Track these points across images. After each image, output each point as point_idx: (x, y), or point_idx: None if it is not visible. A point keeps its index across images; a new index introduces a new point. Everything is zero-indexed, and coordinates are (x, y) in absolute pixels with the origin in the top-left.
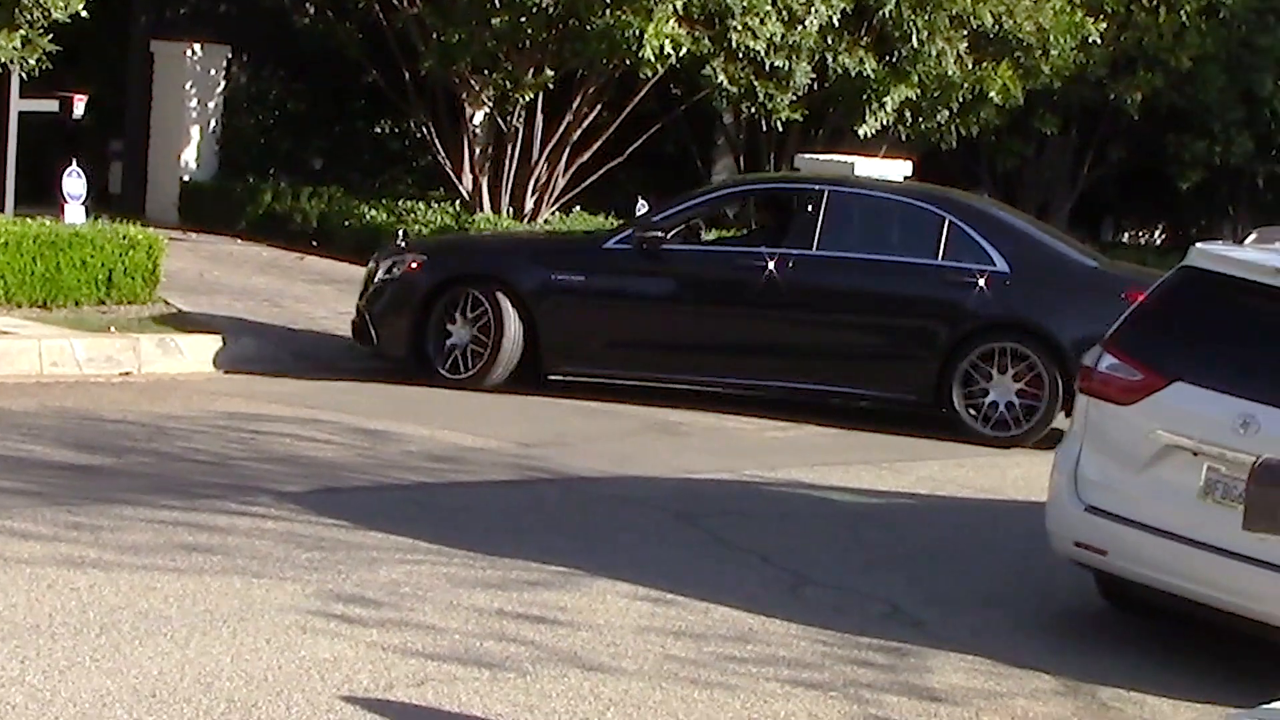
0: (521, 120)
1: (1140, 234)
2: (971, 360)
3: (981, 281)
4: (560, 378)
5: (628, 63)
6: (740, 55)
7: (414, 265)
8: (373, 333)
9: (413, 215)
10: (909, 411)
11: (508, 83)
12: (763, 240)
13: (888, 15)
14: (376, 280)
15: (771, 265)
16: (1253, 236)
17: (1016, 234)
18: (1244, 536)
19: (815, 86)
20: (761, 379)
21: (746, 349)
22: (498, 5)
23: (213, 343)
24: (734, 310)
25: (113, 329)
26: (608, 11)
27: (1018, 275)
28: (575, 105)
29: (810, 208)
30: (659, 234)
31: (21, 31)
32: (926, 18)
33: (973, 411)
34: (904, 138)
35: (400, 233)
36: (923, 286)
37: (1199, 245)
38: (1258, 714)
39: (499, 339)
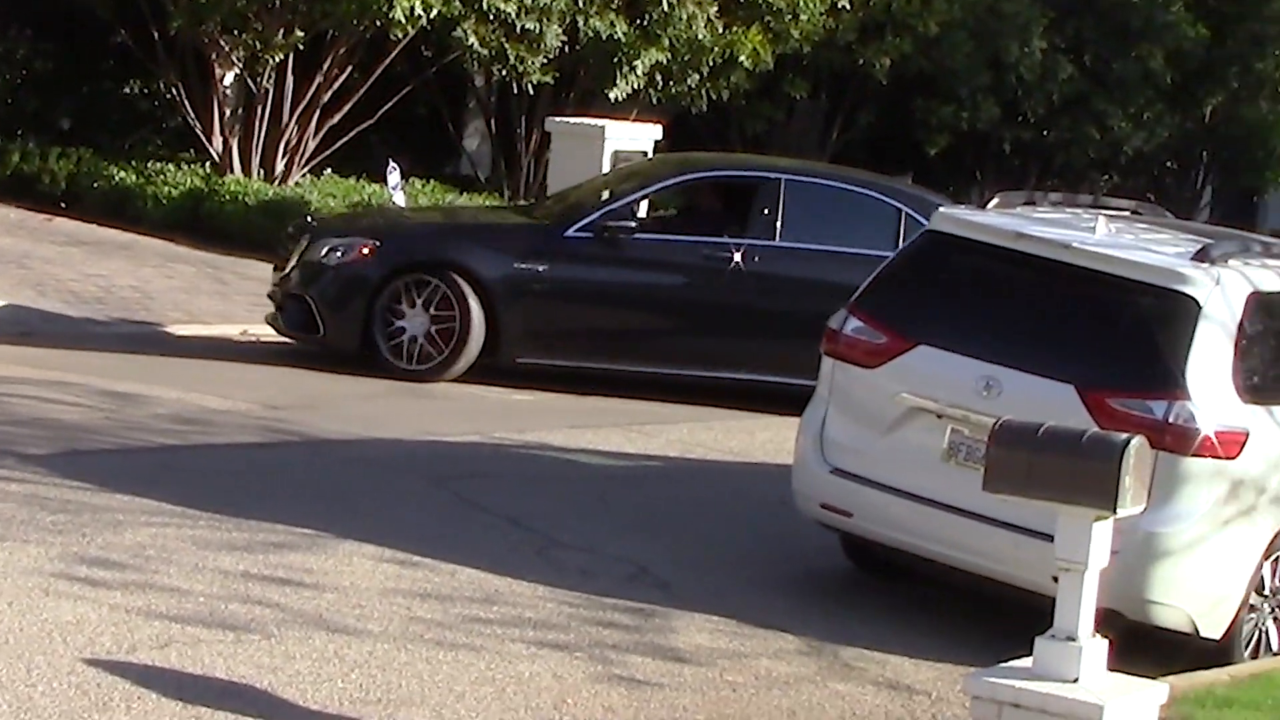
0: (272, 81)
1: None
2: None
3: None
4: (528, 363)
5: (378, 24)
6: (491, 17)
7: (365, 251)
8: (320, 322)
9: (162, 176)
10: None
11: (257, 43)
12: (723, 230)
13: None
14: (313, 264)
15: (738, 256)
16: (995, 201)
17: None
18: (986, 498)
19: (566, 49)
20: (728, 370)
21: (713, 339)
22: None
23: None
24: (700, 301)
25: None
26: None
27: None
28: (326, 67)
29: (768, 197)
30: (629, 224)
31: None
32: None
33: None
34: (655, 101)
35: (308, 217)
36: None
37: (942, 210)
38: (996, 672)
39: (465, 330)
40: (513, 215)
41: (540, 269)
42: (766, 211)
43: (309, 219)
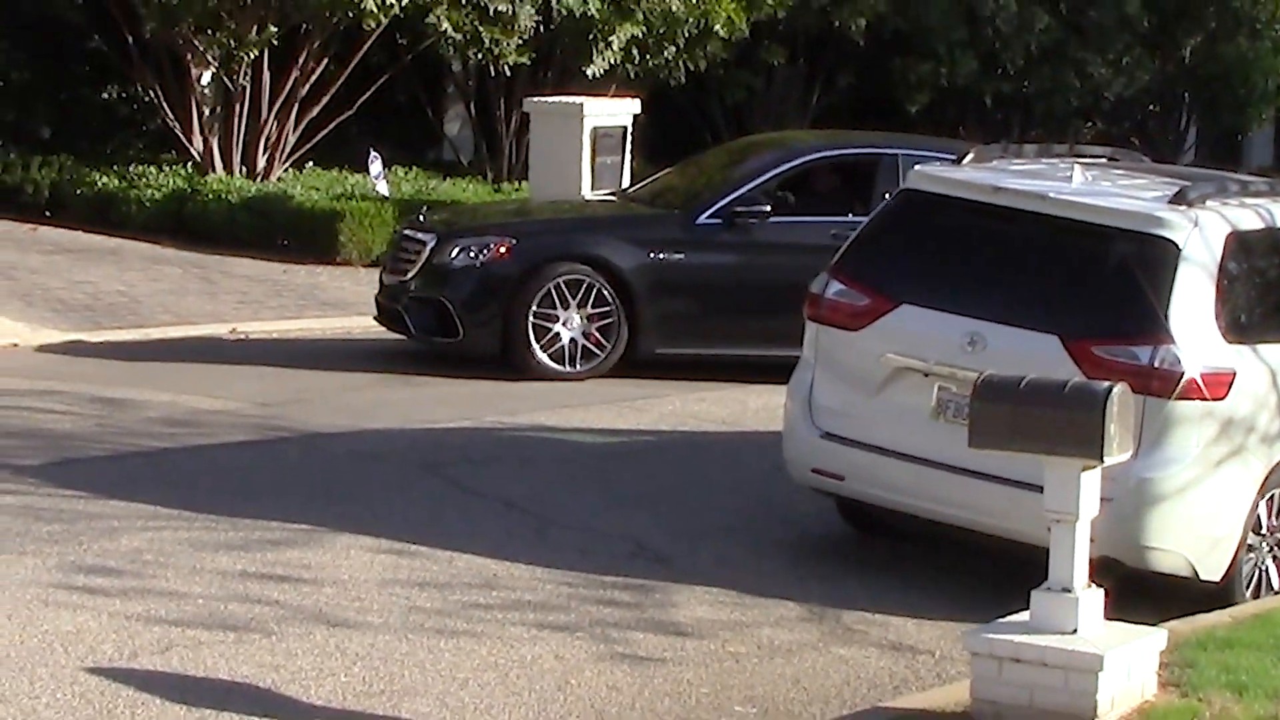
0: (248, 78)
1: None
2: None
3: None
4: (667, 354)
5: (351, 15)
6: (464, 2)
7: (502, 250)
8: (458, 325)
9: (145, 180)
10: None
11: (232, 41)
12: (848, 209)
13: None
14: (445, 266)
15: None
16: (970, 156)
17: None
18: (975, 454)
19: (541, 29)
20: None
21: None
22: None
23: None
24: None
25: None
26: None
27: None
28: (301, 61)
29: (889, 173)
30: (763, 208)
31: None
32: None
33: None
34: (632, 75)
35: (421, 212)
36: None
37: (917, 167)
38: (994, 628)
39: (620, 324)
40: (634, 206)
41: (677, 258)
42: (888, 187)
43: (419, 218)
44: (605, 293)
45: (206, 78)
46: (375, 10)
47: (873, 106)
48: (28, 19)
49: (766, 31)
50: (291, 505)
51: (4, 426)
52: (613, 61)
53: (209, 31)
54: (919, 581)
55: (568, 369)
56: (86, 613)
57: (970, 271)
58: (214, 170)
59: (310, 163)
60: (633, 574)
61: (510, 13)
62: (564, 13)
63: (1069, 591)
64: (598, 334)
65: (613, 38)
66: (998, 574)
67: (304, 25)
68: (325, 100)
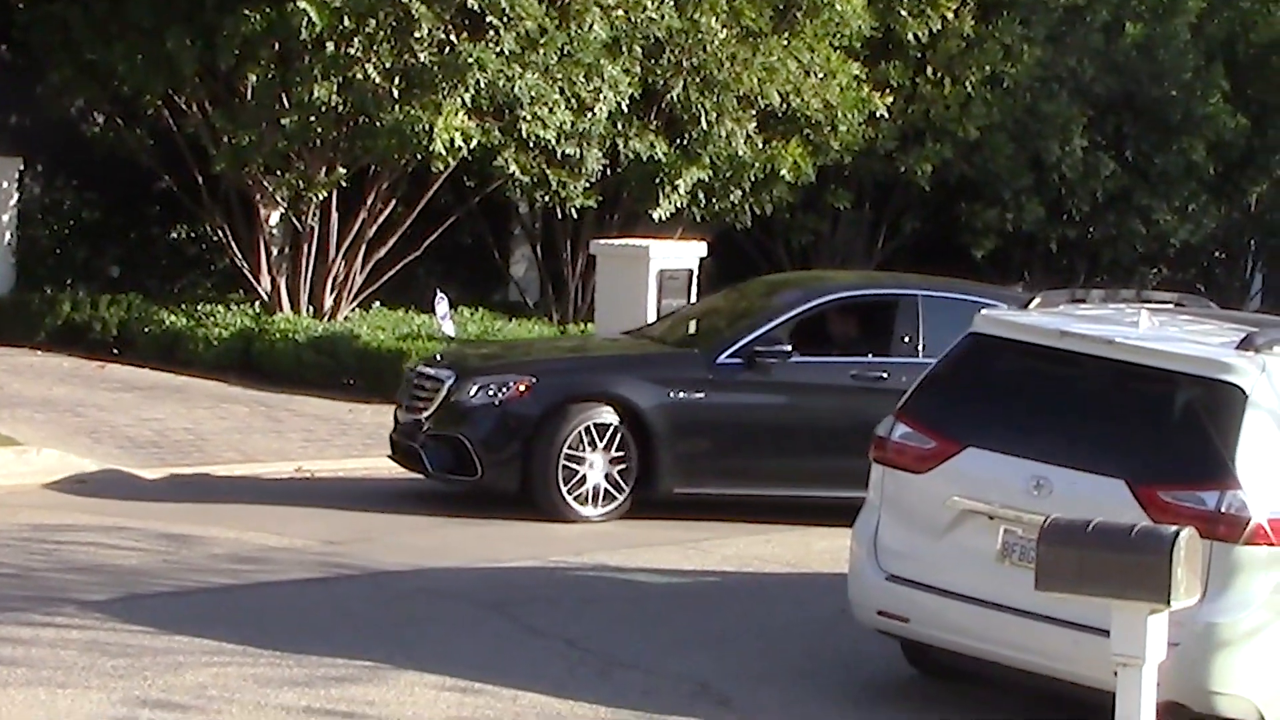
0: (317, 219)
1: None
2: None
3: None
4: (685, 494)
5: (419, 157)
6: (531, 145)
7: (522, 388)
8: (478, 463)
9: (212, 318)
10: None
11: (300, 182)
12: (867, 349)
13: (676, 99)
14: (464, 404)
15: (885, 375)
16: (1037, 301)
17: None
18: (1042, 596)
19: (608, 172)
20: None
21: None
22: (286, 105)
23: (13, 456)
24: (854, 421)
25: None
26: (396, 107)
27: None
28: (369, 201)
29: (906, 315)
30: (784, 348)
31: None
32: (714, 99)
33: None
34: (698, 219)
35: (437, 355)
36: None
37: (984, 311)
38: None
39: (641, 465)
40: (649, 344)
41: (697, 397)
42: (908, 329)
43: (439, 357)
44: (624, 433)
45: (275, 218)
46: (443, 153)
47: (938, 251)
48: (101, 160)
49: (832, 176)
50: (356, 642)
51: (71, 561)
52: (679, 204)
53: (278, 173)
54: None
55: (595, 511)
56: None
57: (1036, 415)
58: (281, 309)
59: (377, 303)
60: (696, 715)
61: (577, 156)
62: (631, 156)
63: None
64: (618, 475)
65: (679, 181)
66: (1064, 718)
67: (372, 167)
68: (392, 241)
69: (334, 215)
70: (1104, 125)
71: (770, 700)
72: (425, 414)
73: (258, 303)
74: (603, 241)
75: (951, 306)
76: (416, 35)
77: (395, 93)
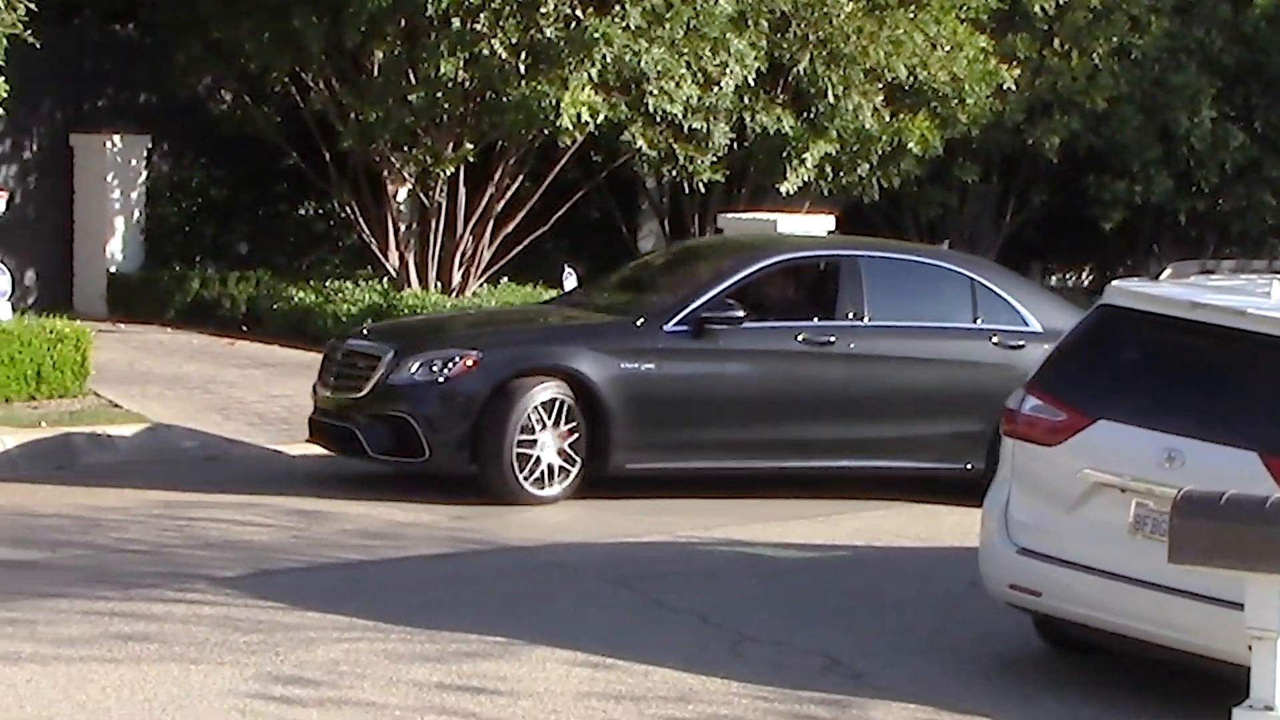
0: (444, 194)
1: (1068, 276)
2: None
3: (1023, 343)
4: (637, 469)
5: (546, 132)
6: (658, 119)
7: (469, 364)
8: (424, 444)
9: (341, 294)
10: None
11: (428, 158)
12: (813, 313)
13: (802, 72)
14: (406, 382)
15: (833, 339)
16: (1168, 272)
17: (1033, 291)
18: (1174, 570)
19: (734, 146)
20: (832, 459)
21: (820, 428)
22: (413, 81)
23: (145, 433)
24: (806, 390)
25: (44, 424)
26: (523, 82)
27: (1049, 334)
28: (497, 177)
29: (850, 276)
30: (735, 314)
31: None
32: (841, 73)
33: None
34: (826, 192)
35: (363, 329)
36: (977, 352)
37: (1115, 283)
38: None
39: (594, 439)
40: (594, 313)
41: (646, 367)
42: (852, 290)
43: (365, 333)
44: (574, 408)
45: (403, 194)
46: (570, 128)
47: (1066, 224)
48: (228, 138)
49: (960, 149)
50: (486, 617)
51: (202, 538)
52: (806, 179)
53: (406, 149)
54: (1117, 699)
55: (546, 492)
56: None
57: (1167, 387)
58: (409, 285)
59: (505, 278)
60: (827, 689)
61: (704, 130)
62: (757, 130)
63: (1271, 710)
64: (569, 449)
65: (806, 155)
66: (1197, 692)
67: (499, 142)
68: (520, 216)
69: (461, 191)
70: (1233, 96)
71: (900, 675)
72: (360, 393)
73: (386, 279)
74: (730, 215)
75: (893, 267)
76: (542, 10)
77: (522, 68)
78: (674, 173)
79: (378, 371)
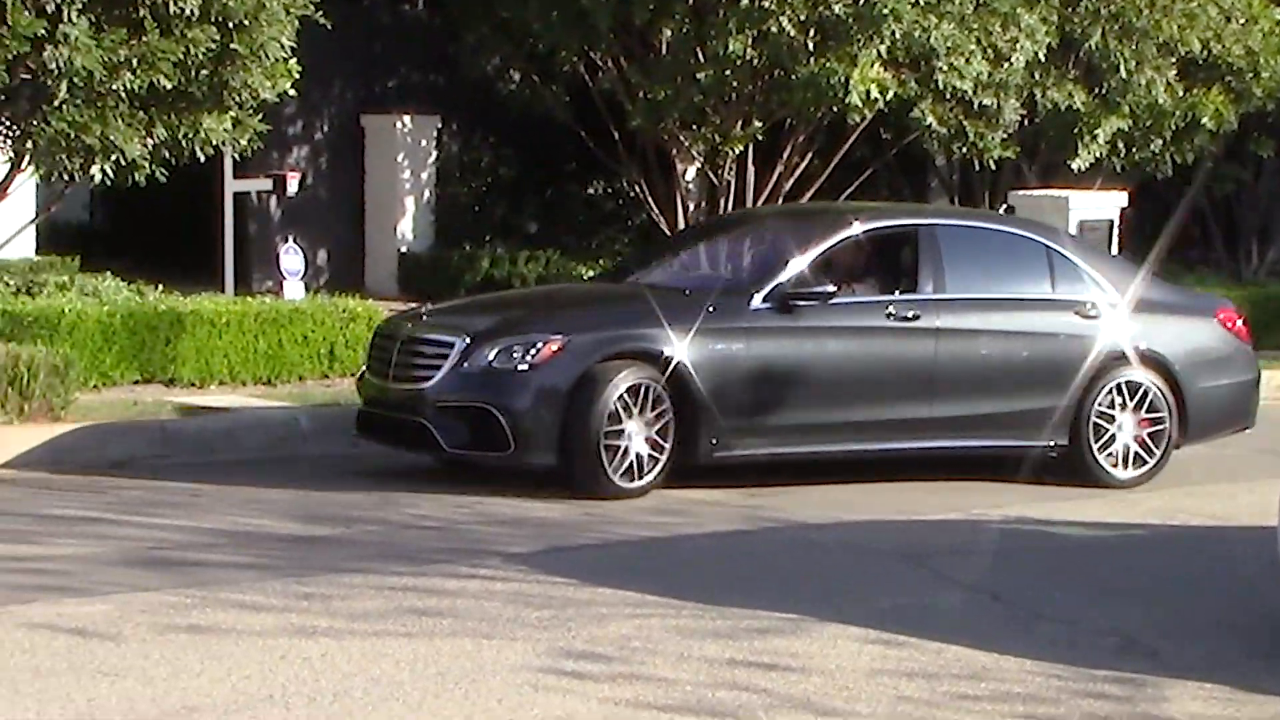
0: (733, 173)
1: None
2: (1100, 397)
3: (1100, 313)
4: (726, 457)
5: (835, 110)
6: (948, 96)
7: (554, 348)
8: (509, 436)
9: None
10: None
11: (716, 136)
12: (894, 287)
13: (1094, 47)
14: (484, 370)
15: (918, 314)
16: None
17: (1107, 260)
18: None
19: (1025, 123)
20: (917, 440)
21: (908, 408)
22: (702, 60)
23: None
24: (893, 367)
25: (339, 403)
26: (812, 60)
27: (1125, 304)
28: (785, 155)
29: (928, 246)
30: (828, 289)
31: (232, 113)
32: (1134, 47)
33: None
34: (1118, 169)
35: (422, 315)
36: (1057, 323)
37: None
38: None
39: (678, 424)
40: (667, 292)
41: (736, 348)
42: (931, 262)
43: (424, 318)
44: (662, 393)
45: (691, 173)
46: (859, 105)
47: None
48: (516, 118)
49: (1255, 124)
50: (778, 594)
51: (494, 515)
52: (1098, 154)
53: (694, 127)
54: None
55: (637, 484)
56: (575, 698)
57: None
58: None
59: None
60: (1122, 667)
61: (995, 107)
62: (1048, 107)
63: None
64: (656, 437)
65: (1098, 131)
66: None
67: (788, 120)
68: (810, 194)
69: (750, 169)
70: None
71: (1197, 655)
72: (428, 383)
73: None
74: (1021, 192)
75: (970, 235)
76: None
77: (810, 45)
78: (964, 150)
79: (449, 359)
